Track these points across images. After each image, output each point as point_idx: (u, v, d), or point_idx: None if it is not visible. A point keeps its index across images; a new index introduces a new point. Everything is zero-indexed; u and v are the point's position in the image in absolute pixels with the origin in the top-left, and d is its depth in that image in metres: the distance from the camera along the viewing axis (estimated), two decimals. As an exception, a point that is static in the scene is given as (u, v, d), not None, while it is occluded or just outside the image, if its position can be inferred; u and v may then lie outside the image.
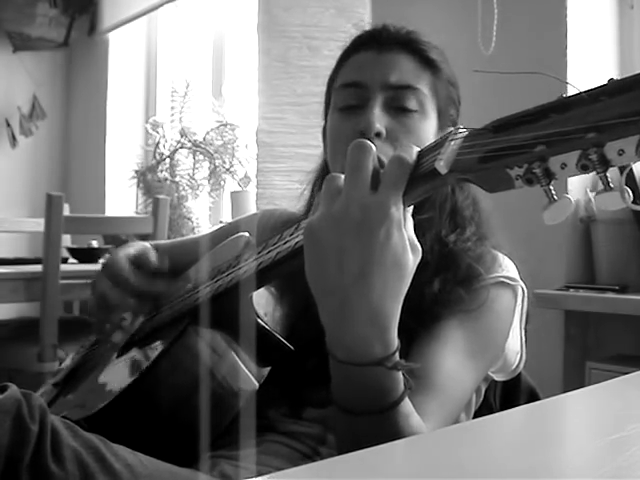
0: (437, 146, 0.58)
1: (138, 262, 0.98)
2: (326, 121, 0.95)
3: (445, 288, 0.80)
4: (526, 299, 0.87)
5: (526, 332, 0.89)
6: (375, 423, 0.62)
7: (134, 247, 1.03)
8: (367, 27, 0.94)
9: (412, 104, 0.85)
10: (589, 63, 1.79)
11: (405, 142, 0.83)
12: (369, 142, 0.60)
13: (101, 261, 2.57)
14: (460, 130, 0.58)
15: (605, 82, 0.49)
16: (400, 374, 0.62)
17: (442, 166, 0.55)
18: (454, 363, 0.77)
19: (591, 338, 1.75)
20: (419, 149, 0.60)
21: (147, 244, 1.16)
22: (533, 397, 0.97)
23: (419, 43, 0.89)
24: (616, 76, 0.49)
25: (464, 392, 0.79)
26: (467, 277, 0.81)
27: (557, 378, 1.70)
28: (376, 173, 0.59)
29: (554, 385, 1.67)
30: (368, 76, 0.86)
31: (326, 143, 0.94)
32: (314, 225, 0.59)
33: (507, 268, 0.86)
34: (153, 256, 0.99)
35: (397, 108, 0.85)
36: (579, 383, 1.63)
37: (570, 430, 0.54)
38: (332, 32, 2.08)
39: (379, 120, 0.84)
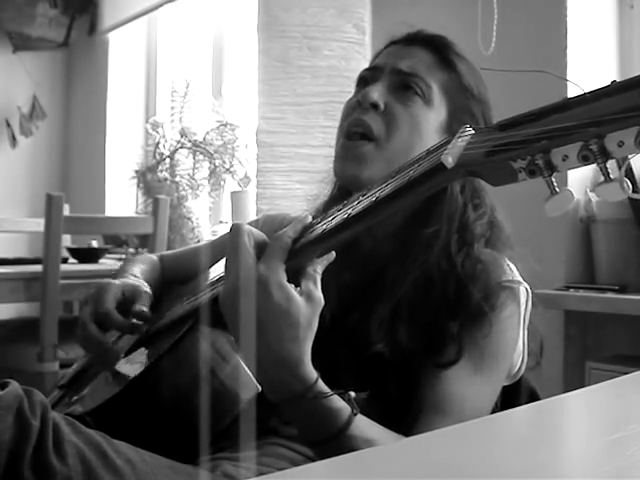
0: (445, 143, 0.61)
1: (125, 300, 0.96)
2: None
3: (462, 335, 0.79)
4: (530, 300, 0.87)
5: (538, 360, 0.89)
6: (332, 450, 0.65)
7: (126, 282, 1.00)
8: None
9: (416, 87, 0.87)
10: (589, 63, 1.79)
11: (401, 121, 0.85)
12: (244, 225, 0.71)
13: (100, 261, 2.58)
14: (467, 129, 0.60)
15: (607, 84, 0.50)
16: (337, 402, 0.67)
17: (449, 161, 0.57)
18: (465, 386, 0.77)
19: (591, 338, 1.75)
20: (310, 220, 0.71)
21: (153, 257, 1.17)
22: (533, 397, 0.97)
23: (445, 44, 0.92)
24: (617, 77, 0.50)
25: (481, 411, 0.78)
26: (478, 315, 0.80)
27: (557, 378, 1.70)
28: (263, 245, 0.70)
29: (554, 385, 1.66)
30: (383, 61, 0.91)
31: None
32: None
33: (509, 271, 0.85)
34: (143, 298, 0.96)
35: (400, 91, 0.87)
36: (579, 383, 1.63)
37: (570, 430, 0.54)
38: (332, 32, 2.08)
39: (377, 93, 0.86)
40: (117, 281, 0.98)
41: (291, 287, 0.67)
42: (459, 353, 0.78)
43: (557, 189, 0.53)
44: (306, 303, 0.67)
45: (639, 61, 1.85)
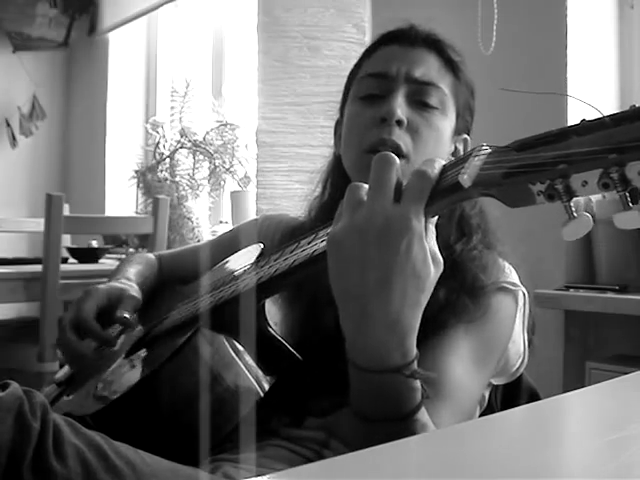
0: (461, 161, 0.60)
1: (110, 305, 0.96)
2: (341, 115, 0.95)
3: (451, 296, 0.80)
4: (527, 303, 0.87)
5: (530, 337, 0.89)
6: (391, 432, 0.62)
7: (113, 286, 1.00)
8: (395, 26, 0.95)
9: (434, 101, 0.87)
10: (589, 63, 1.79)
11: (426, 135, 0.85)
12: (394, 155, 0.61)
13: (100, 261, 2.58)
14: (483, 147, 0.59)
15: (627, 109, 0.50)
16: (417, 383, 0.63)
17: (465, 180, 0.57)
18: (462, 372, 0.77)
19: (591, 338, 1.75)
20: (444, 162, 0.62)
21: (151, 256, 1.17)
22: (533, 397, 0.97)
23: (445, 45, 0.91)
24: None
25: (472, 401, 0.79)
26: (472, 286, 0.81)
27: (557, 378, 1.70)
28: (399, 185, 0.60)
29: (554, 385, 1.66)
30: (394, 68, 0.88)
31: (338, 137, 0.95)
32: (337, 234, 0.60)
33: (508, 274, 0.86)
34: (127, 303, 0.96)
35: (419, 102, 0.86)
36: (579, 383, 1.63)
37: (570, 430, 0.54)
38: (332, 32, 2.08)
39: (401, 109, 0.85)
40: (104, 286, 0.98)
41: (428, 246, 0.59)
42: (454, 321, 0.78)
43: (575, 214, 0.53)
44: (434, 267, 0.60)
45: (639, 61, 1.85)
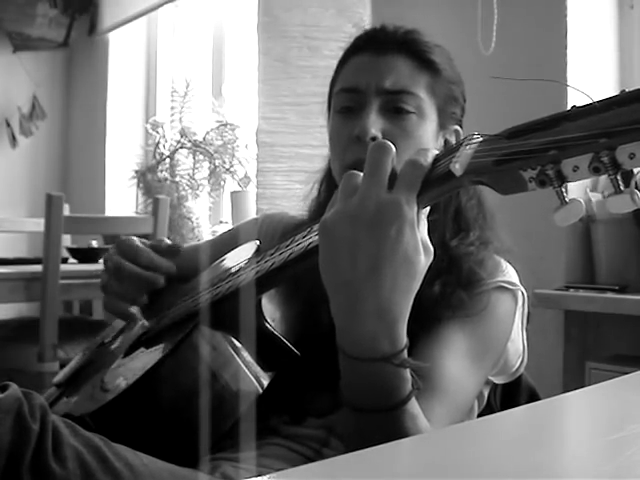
0: (453, 150, 0.60)
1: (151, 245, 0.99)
2: (329, 121, 0.95)
3: (446, 291, 0.80)
4: (526, 303, 0.87)
5: (527, 332, 0.89)
6: (381, 422, 0.63)
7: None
8: (366, 28, 0.94)
9: (408, 107, 0.85)
10: (589, 63, 1.79)
11: (403, 145, 0.83)
12: (389, 143, 0.62)
13: (100, 261, 2.58)
14: (475, 136, 0.59)
15: (617, 93, 0.50)
16: (408, 373, 0.63)
17: (457, 168, 0.57)
18: (457, 368, 0.77)
19: (591, 338, 1.75)
20: (436, 152, 0.62)
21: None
22: (533, 397, 0.97)
23: (418, 44, 0.88)
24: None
25: (467, 397, 0.79)
26: (468, 281, 0.81)
27: (557, 378, 1.70)
28: (393, 174, 0.61)
29: (554, 385, 1.66)
30: (364, 81, 0.87)
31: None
32: (329, 220, 0.61)
33: (508, 273, 0.86)
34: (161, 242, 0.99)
35: (393, 110, 0.85)
36: (579, 383, 1.63)
37: (570, 430, 0.54)
38: (332, 32, 2.08)
39: (375, 125, 0.84)
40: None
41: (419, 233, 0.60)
42: (450, 316, 0.78)
43: (567, 200, 0.53)
44: (424, 255, 0.61)
45: (639, 61, 1.85)
